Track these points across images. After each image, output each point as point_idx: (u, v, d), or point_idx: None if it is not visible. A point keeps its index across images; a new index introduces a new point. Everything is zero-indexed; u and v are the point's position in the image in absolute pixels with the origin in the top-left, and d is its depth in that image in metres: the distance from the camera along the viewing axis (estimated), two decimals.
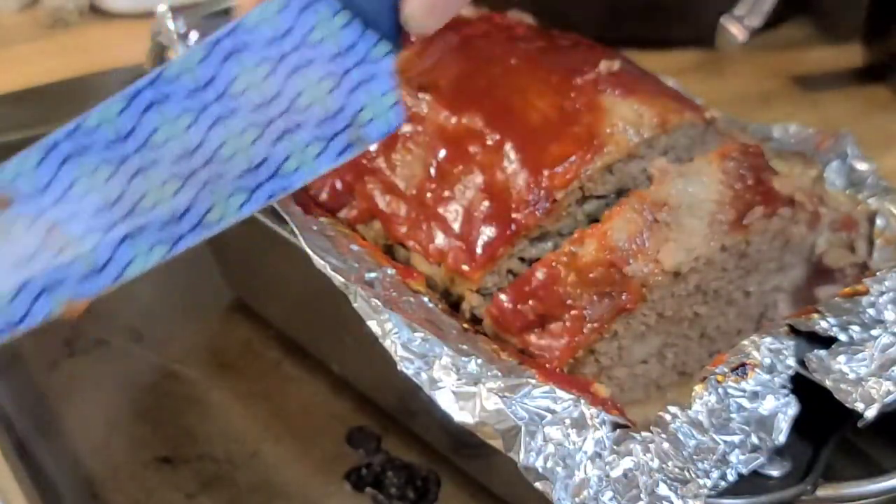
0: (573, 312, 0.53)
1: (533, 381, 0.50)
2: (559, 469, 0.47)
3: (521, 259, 0.57)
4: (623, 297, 0.53)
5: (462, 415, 0.49)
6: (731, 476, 0.48)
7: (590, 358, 0.54)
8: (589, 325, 0.53)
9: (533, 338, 0.54)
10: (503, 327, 0.55)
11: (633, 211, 0.54)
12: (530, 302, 0.54)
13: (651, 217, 0.54)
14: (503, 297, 0.55)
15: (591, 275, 0.53)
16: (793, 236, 0.60)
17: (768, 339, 0.51)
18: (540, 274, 0.54)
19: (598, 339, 0.53)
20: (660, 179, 0.55)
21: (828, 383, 0.50)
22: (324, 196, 0.62)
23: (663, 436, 0.48)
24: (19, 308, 0.42)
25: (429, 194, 0.58)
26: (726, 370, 0.50)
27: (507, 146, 0.57)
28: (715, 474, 0.47)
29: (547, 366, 0.53)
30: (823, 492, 0.49)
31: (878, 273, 0.56)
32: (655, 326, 0.56)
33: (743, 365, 0.50)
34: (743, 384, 0.49)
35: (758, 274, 0.60)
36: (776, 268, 0.61)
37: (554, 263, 0.54)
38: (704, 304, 0.58)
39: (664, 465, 0.47)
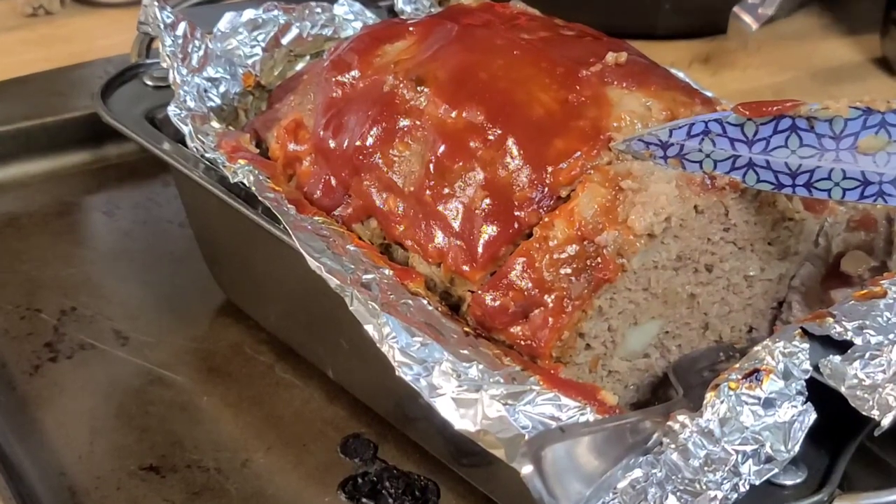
0: (554, 295, 0.53)
1: (537, 388, 0.50)
2: None
3: None
4: (600, 268, 0.53)
5: (463, 422, 0.49)
6: (744, 487, 0.47)
7: (580, 342, 0.54)
8: (571, 304, 0.53)
9: (517, 329, 0.54)
10: (488, 326, 0.55)
11: (596, 184, 0.54)
12: (510, 293, 0.54)
13: (616, 187, 0.54)
14: (483, 294, 0.55)
15: (564, 254, 0.53)
16: (787, 212, 0.59)
17: (781, 344, 0.50)
18: (516, 263, 0.54)
19: (583, 317, 0.53)
20: (622, 156, 0.56)
21: (843, 390, 0.49)
22: (318, 194, 0.63)
23: (672, 446, 0.47)
24: None
25: (428, 191, 0.58)
26: (739, 377, 0.49)
27: (510, 141, 0.57)
28: (727, 486, 0.46)
29: (546, 365, 0.53)
30: (841, 502, 0.49)
31: None
32: (646, 306, 0.56)
33: (756, 371, 0.49)
34: (757, 391, 0.49)
35: (755, 255, 0.60)
36: (779, 253, 0.61)
37: (528, 250, 0.54)
38: (699, 285, 0.58)
39: (673, 477, 0.46)
